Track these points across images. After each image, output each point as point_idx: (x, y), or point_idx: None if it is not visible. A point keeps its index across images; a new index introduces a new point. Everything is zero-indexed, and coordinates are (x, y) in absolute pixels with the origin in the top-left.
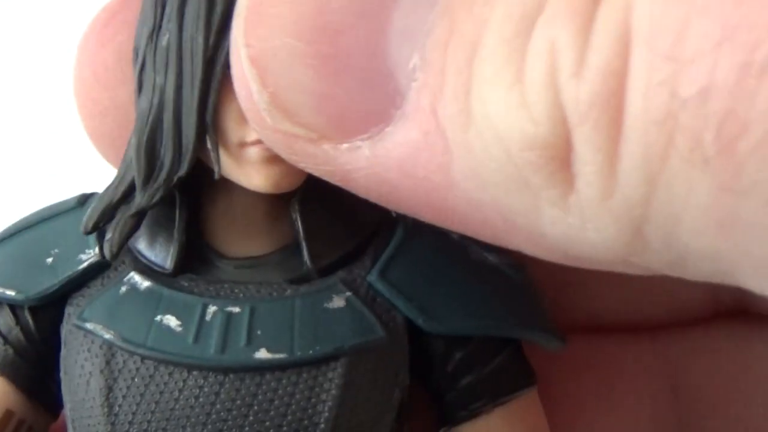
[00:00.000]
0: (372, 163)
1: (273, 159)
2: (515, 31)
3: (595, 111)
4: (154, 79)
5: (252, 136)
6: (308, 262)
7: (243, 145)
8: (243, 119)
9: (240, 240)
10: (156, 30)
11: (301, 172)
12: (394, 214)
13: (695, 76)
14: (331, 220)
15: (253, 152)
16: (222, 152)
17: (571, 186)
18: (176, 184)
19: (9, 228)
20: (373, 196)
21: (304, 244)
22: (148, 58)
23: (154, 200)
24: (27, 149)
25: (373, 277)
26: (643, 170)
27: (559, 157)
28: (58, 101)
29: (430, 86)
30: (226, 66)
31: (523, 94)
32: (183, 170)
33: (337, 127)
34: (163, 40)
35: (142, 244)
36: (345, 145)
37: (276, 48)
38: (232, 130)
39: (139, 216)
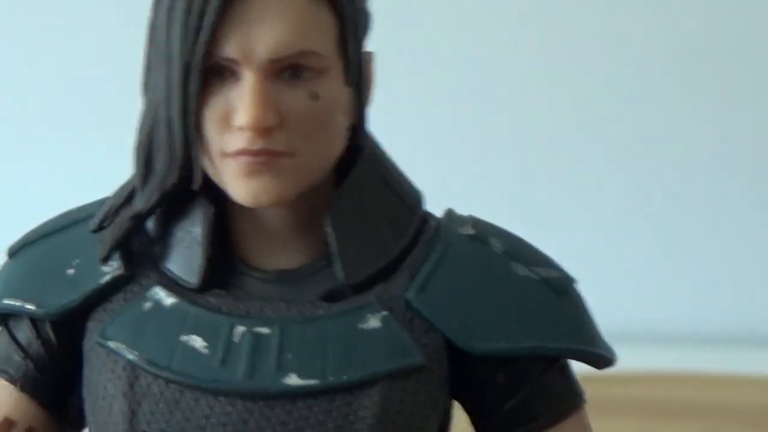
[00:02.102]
0: None
1: (251, 172)
2: None
3: None
4: (153, 80)
5: (231, 147)
6: (341, 277)
7: (224, 155)
8: (224, 128)
9: (269, 251)
10: (153, 28)
11: (288, 186)
12: (434, 223)
13: None
14: (366, 231)
15: (232, 164)
16: (207, 162)
17: None
18: (171, 190)
19: (29, 234)
20: None
21: (337, 259)
22: (149, 57)
23: (150, 204)
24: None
25: (411, 295)
26: None
27: None
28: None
29: None
30: (204, 72)
31: None
32: (174, 177)
33: None
34: (156, 40)
35: (168, 258)
36: None
37: None
38: (214, 140)
39: (136, 219)
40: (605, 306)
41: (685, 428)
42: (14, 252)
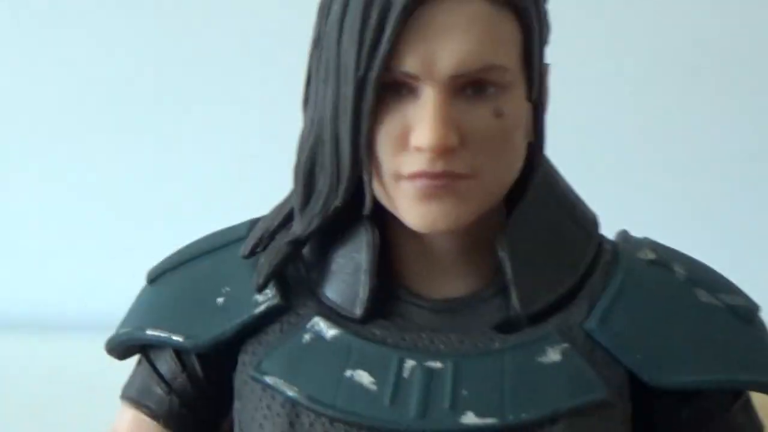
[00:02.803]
0: None
1: (429, 196)
2: None
3: None
4: (317, 94)
5: (408, 169)
6: (518, 306)
7: (398, 177)
8: (400, 149)
9: (436, 279)
10: (319, 39)
11: (468, 210)
12: (608, 247)
13: None
14: (543, 257)
15: (408, 187)
16: (377, 184)
17: None
18: (334, 214)
19: (170, 259)
20: None
21: (513, 286)
22: (313, 69)
23: (311, 228)
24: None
25: (592, 326)
26: None
27: None
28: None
29: None
30: (380, 88)
31: None
32: (339, 199)
33: None
34: (323, 52)
35: (327, 287)
36: None
37: None
38: (387, 161)
39: (295, 245)
40: None
41: None
42: (155, 278)
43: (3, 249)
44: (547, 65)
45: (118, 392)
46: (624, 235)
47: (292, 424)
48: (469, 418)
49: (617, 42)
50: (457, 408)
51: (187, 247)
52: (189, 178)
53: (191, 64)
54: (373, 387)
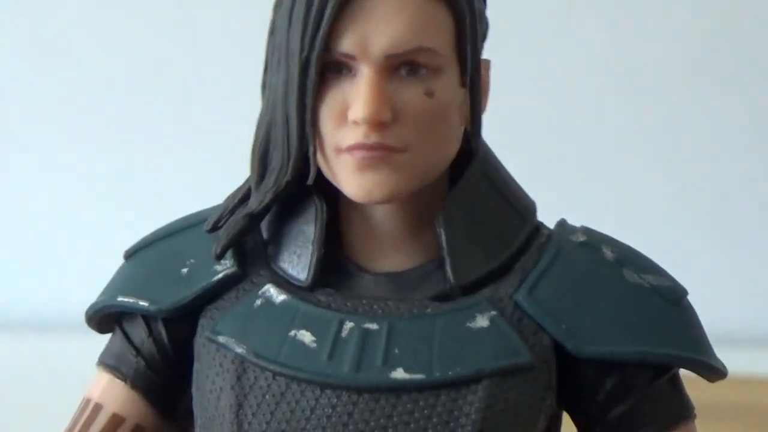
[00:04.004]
0: None
1: (365, 167)
2: None
3: None
4: (271, 79)
5: (346, 142)
6: (452, 278)
7: (338, 151)
8: (339, 124)
9: (380, 253)
10: (273, 29)
11: (401, 181)
12: (546, 231)
13: None
14: (478, 234)
15: (347, 159)
16: (321, 159)
17: None
18: (285, 188)
19: (144, 238)
20: None
21: (447, 260)
22: (268, 56)
23: (264, 203)
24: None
25: (520, 296)
26: None
27: None
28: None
29: None
30: (322, 68)
31: None
32: (289, 174)
33: None
34: (276, 40)
35: (280, 257)
36: None
37: None
38: (329, 135)
39: (250, 218)
40: None
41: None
42: (129, 255)
43: (2, 249)
44: (486, 61)
45: None
46: (561, 222)
47: (239, 378)
48: (399, 373)
49: (617, 43)
50: (388, 364)
51: (160, 228)
52: (189, 179)
53: (192, 64)
54: (314, 345)
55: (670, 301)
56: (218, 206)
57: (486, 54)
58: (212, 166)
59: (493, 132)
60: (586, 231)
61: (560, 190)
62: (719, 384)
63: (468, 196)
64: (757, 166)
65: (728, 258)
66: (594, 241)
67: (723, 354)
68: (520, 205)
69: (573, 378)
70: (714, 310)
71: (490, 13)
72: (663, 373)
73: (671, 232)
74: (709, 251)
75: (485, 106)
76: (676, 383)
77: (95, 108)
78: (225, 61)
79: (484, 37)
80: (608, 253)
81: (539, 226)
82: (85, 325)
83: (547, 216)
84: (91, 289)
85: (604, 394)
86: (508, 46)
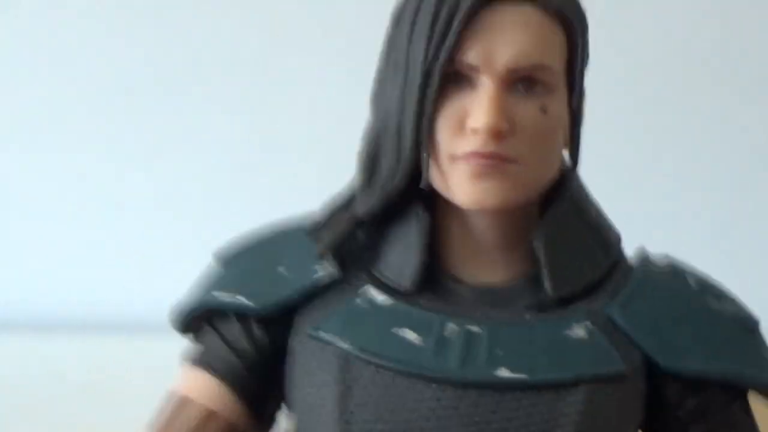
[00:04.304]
0: None
1: (480, 174)
2: None
3: None
4: (385, 91)
5: (462, 149)
6: (549, 291)
7: (453, 158)
8: (456, 132)
9: (476, 265)
10: (391, 43)
11: (512, 192)
12: (630, 258)
13: None
14: (571, 251)
15: (462, 166)
16: (433, 166)
17: None
18: (393, 195)
19: (240, 241)
20: None
21: (546, 272)
22: (383, 70)
23: (369, 208)
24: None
25: (614, 310)
26: None
27: None
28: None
29: None
30: (443, 78)
31: None
32: (398, 180)
33: None
34: (395, 53)
35: (380, 262)
36: None
37: None
38: (445, 143)
39: (354, 222)
40: None
41: None
42: (221, 256)
43: (3, 249)
44: (584, 88)
45: (118, 392)
46: (642, 249)
47: (343, 371)
48: (504, 372)
49: (617, 45)
50: (493, 363)
51: (252, 232)
52: (189, 180)
53: (194, 64)
54: (418, 342)
55: (747, 328)
56: (307, 215)
57: None
58: (218, 168)
59: None
60: (670, 260)
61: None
62: None
63: (563, 214)
64: (757, 166)
65: (729, 258)
66: (679, 269)
67: None
68: (607, 230)
69: (657, 394)
70: None
71: None
72: (738, 398)
73: (671, 231)
74: (710, 250)
75: (581, 131)
76: (748, 409)
77: (97, 108)
78: (235, 64)
79: (587, 65)
80: (693, 282)
81: (623, 254)
82: (84, 326)
83: None
84: (89, 289)
85: (685, 412)
86: None
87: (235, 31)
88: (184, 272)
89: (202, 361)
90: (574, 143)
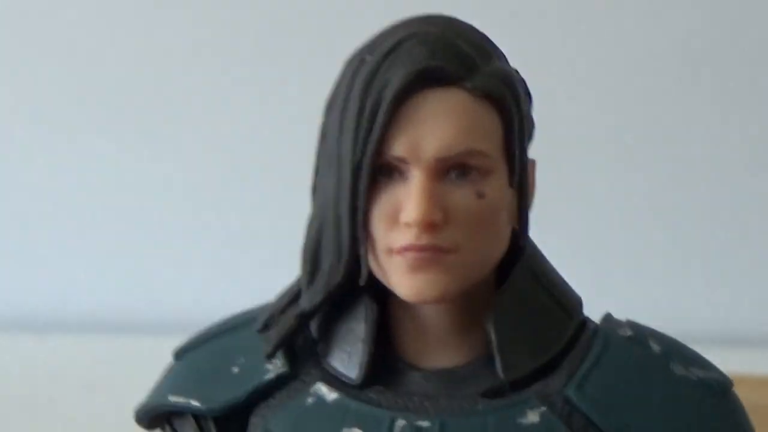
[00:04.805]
0: None
1: (417, 268)
2: None
3: None
4: (321, 182)
5: (398, 243)
6: (501, 374)
7: (390, 252)
8: (392, 225)
9: (429, 350)
10: (325, 133)
11: (452, 282)
12: (592, 326)
13: None
14: (526, 331)
15: (398, 260)
16: (373, 260)
17: None
18: (336, 289)
19: (194, 338)
20: None
21: (497, 356)
22: (319, 160)
23: (315, 303)
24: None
25: (570, 391)
26: None
27: None
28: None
29: None
30: (376, 170)
31: None
32: (340, 275)
33: None
34: (327, 143)
35: (330, 355)
36: None
37: None
38: (381, 237)
39: (301, 318)
40: (607, 306)
41: None
42: (180, 355)
43: (2, 250)
44: (533, 161)
45: (118, 393)
46: (607, 317)
47: None
48: None
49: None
50: None
51: (209, 327)
52: (189, 180)
53: (195, 64)
54: None
55: (717, 393)
56: (263, 306)
57: None
58: (215, 171)
59: None
60: (633, 325)
61: (557, 191)
62: None
63: (516, 293)
64: (756, 167)
65: (730, 258)
66: (640, 335)
67: (723, 354)
68: (566, 302)
69: None
70: (714, 309)
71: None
72: None
73: (671, 229)
74: (711, 250)
75: (531, 204)
76: None
77: (99, 108)
78: (237, 63)
79: (530, 137)
80: (655, 347)
81: (585, 321)
82: (84, 326)
83: (546, 216)
84: (90, 289)
85: None
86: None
87: (236, 29)
88: (185, 272)
89: None
90: (522, 218)
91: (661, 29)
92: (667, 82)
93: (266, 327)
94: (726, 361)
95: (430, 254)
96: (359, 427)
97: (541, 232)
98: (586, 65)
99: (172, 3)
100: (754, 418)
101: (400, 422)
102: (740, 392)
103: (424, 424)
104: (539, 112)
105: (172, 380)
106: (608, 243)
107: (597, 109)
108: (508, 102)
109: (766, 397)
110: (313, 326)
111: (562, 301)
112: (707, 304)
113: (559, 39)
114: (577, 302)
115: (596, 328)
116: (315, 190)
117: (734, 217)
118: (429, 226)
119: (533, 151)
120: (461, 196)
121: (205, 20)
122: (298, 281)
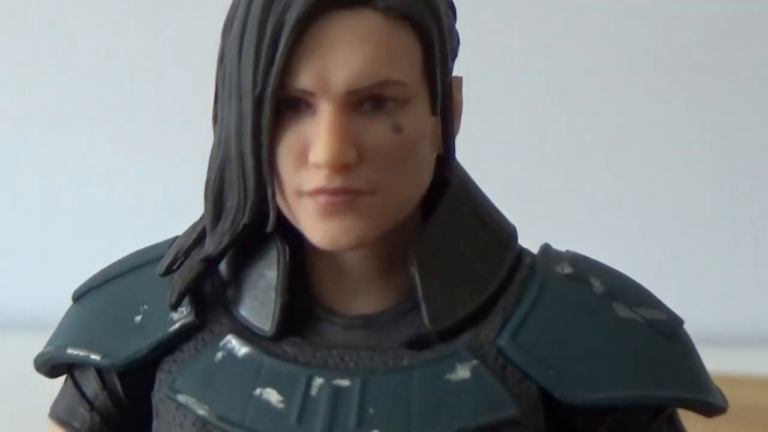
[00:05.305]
0: None
1: (329, 213)
2: None
3: None
4: (222, 112)
5: (307, 186)
6: (428, 323)
7: (300, 194)
8: (300, 165)
9: (350, 295)
10: (223, 57)
11: (370, 227)
12: (528, 260)
13: None
14: (455, 272)
15: (309, 203)
16: (282, 201)
17: None
18: (243, 231)
19: (95, 277)
20: None
21: (423, 304)
22: (218, 87)
23: (220, 247)
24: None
25: (503, 341)
26: None
27: None
28: None
29: None
30: (278, 105)
31: None
32: (246, 217)
33: None
34: (226, 69)
35: (241, 303)
36: None
37: None
38: (288, 177)
39: (207, 262)
40: None
41: (686, 427)
42: (79, 297)
43: (3, 250)
44: (458, 78)
45: None
46: (545, 248)
47: None
48: None
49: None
50: (362, 426)
51: (111, 265)
52: (189, 181)
53: (195, 64)
54: (281, 405)
55: (665, 335)
56: (167, 242)
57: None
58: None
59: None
60: (573, 260)
61: (554, 190)
62: (720, 384)
63: (443, 230)
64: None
65: (729, 257)
66: (581, 272)
67: (723, 354)
68: (500, 233)
69: (563, 426)
70: (714, 309)
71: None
72: (660, 414)
73: (671, 229)
74: (710, 249)
75: (458, 128)
76: (673, 422)
77: (97, 110)
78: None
79: (454, 55)
80: (597, 286)
81: (521, 255)
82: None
83: (545, 215)
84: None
85: None
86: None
87: None
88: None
89: (62, 418)
90: (447, 146)
91: (661, 29)
92: (667, 82)
93: (169, 271)
94: (726, 361)
95: (344, 198)
96: (273, 387)
97: (541, 233)
98: (589, 67)
99: (172, 3)
100: (755, 418)
101: (318, 381)
102: (740, 392)
103: (344, 383)
104: (540, 113)
105: (71, 329)
106: (608, 243)
107: (597, 109)
108: (426, 21)
109: (766, 397)
110: (222, 269)
111: (497, 231)
112: (707, 304)
113: (559, 39)
114: (511, 233)
115: (533, 264)
116: (215, 119)
117: (734, 217)
118: (341, 167)
119: (549, 155)
120: (376, 131)
121: (205, 20)
122: (203, 220)
